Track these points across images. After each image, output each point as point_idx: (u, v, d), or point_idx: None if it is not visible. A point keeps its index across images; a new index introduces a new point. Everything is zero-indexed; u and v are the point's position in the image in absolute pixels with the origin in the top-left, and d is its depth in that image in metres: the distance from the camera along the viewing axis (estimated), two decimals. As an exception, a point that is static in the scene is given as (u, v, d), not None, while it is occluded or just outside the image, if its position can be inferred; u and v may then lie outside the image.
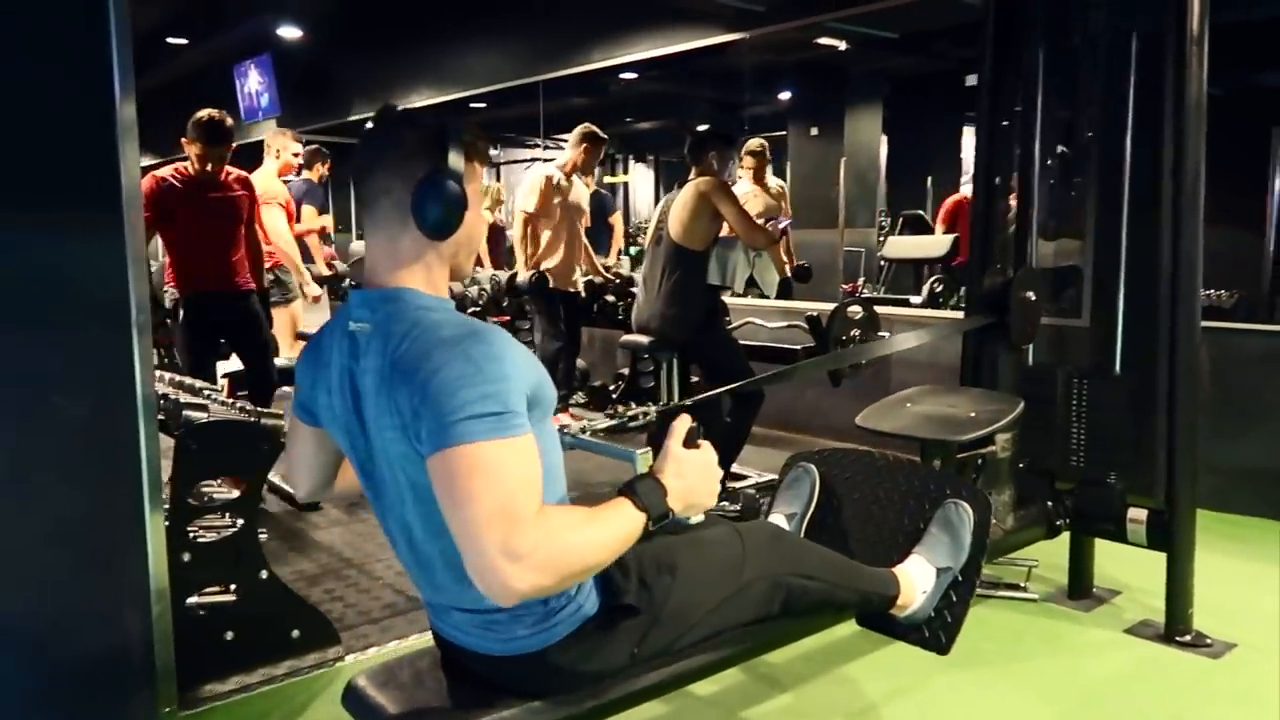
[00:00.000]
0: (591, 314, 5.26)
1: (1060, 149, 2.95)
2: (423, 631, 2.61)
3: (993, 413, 2.28)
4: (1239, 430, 3.67)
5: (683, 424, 1.40)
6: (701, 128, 4.03)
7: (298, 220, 5.33)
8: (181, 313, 3.74)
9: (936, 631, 1.97)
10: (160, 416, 2.30)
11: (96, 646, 2.08)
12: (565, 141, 5.44)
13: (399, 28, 7.63)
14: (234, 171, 3.80)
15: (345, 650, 2.53)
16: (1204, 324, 3.92)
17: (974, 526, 1.99)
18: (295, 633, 2.40)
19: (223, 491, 2.57)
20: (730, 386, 2.68)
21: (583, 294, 5.12)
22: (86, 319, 2.04)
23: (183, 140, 3.62)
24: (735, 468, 3.91)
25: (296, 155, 5.08)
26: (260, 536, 2.33)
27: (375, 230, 1.36)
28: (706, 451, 1.41)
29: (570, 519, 1.25)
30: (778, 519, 2.20)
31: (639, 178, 14.79)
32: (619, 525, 1.29)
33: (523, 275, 4.87)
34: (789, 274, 5.06)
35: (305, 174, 5.79)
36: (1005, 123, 2.92)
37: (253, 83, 9.91)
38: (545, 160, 10.01)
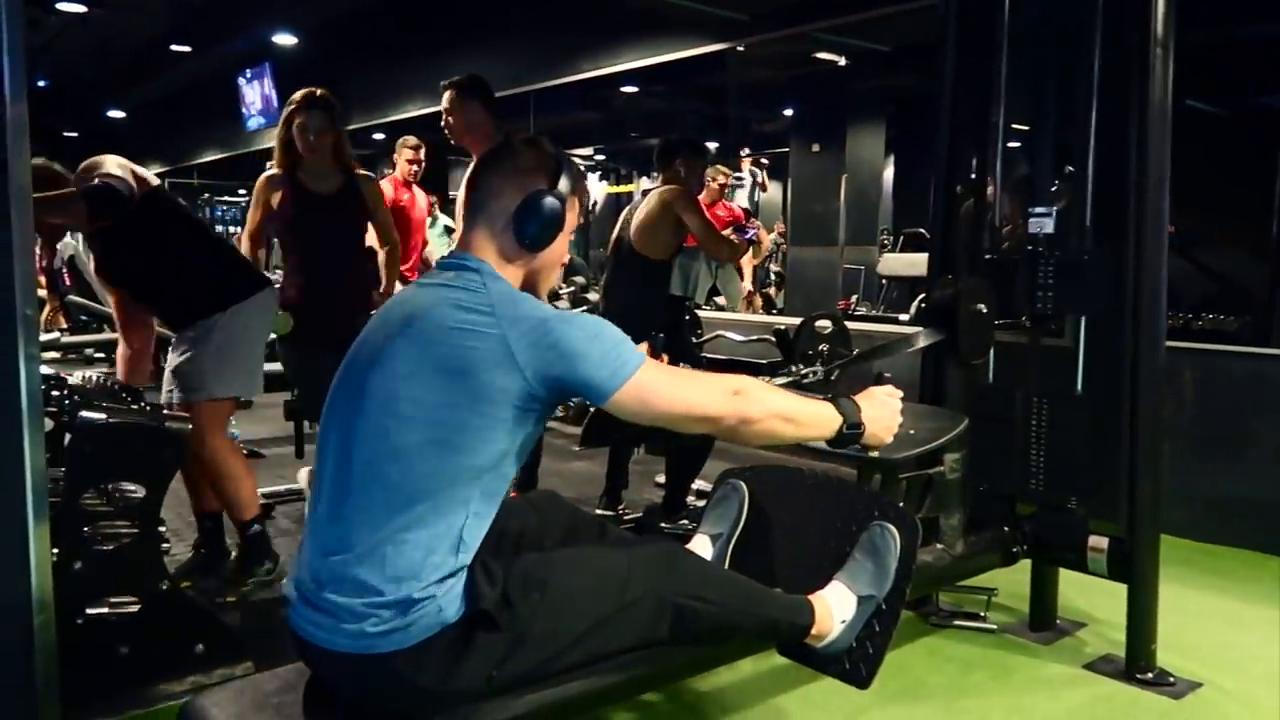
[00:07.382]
0: None
1: (1022, 167, 2.81)
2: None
3: (932, 430, 2.14)
4: (1223, 458, 3.51)
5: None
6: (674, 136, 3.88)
7: None
8: None
9: (857, 663, 1.85)
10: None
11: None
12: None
13: (394, 38, 7.62)
14: None
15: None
16: (1191, 345, 3.80)
17: (900, 552, 1.87)
18: (199, 647, 2.29)
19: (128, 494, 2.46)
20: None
21: None
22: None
23: None
24: (698, 484, 3.78)
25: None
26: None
27: (478, 227, 1.52)
28: (892, 391, 1.78)
29: (780, 390, 1.64)
30: (702, 540, 2.08)
31: (644, 189, 15.07)
32: (817, 410, 1.65)
33: None
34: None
35: None
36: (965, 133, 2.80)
37: (254, 91, 9.92)
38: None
